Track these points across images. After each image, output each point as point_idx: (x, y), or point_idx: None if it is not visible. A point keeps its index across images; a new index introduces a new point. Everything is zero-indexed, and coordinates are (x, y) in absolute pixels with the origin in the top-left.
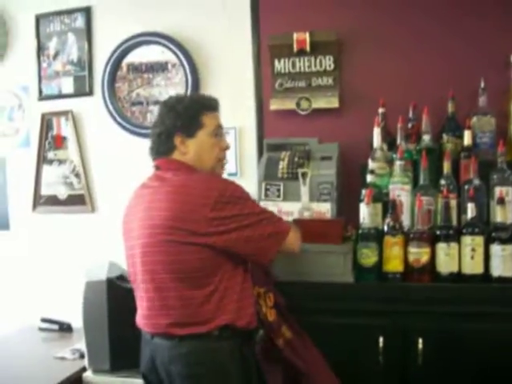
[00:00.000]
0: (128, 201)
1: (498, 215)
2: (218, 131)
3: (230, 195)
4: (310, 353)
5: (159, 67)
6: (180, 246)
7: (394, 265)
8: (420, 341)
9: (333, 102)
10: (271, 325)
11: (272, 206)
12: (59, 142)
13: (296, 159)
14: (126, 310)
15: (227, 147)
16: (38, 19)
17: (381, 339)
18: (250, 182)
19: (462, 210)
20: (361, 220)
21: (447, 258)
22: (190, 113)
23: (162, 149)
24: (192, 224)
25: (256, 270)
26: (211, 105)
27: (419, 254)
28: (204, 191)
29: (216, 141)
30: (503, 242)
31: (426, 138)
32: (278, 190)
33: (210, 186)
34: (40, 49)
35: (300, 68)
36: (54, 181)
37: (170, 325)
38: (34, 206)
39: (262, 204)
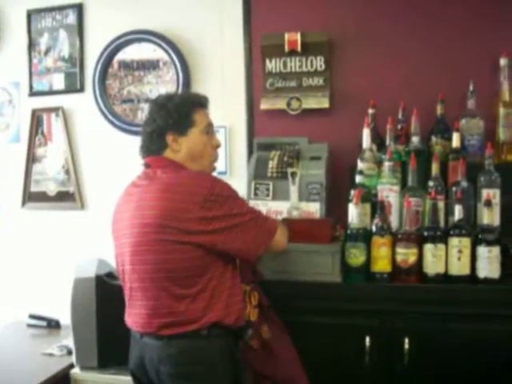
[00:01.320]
0: (118, 199)
1: (485, 217)
2: (210, 129)
3: (218, 193)
4: (287, 354)
5: (150, 65)
6: (170, 245)
7: (382, 265)
8: (406, 341)
9: (323, 103)
10: (252, 325)
11: (261, 205)
12: (49, 138)
13: (286, 159)
14: (114, 307)
15: (218, 145)
16: (30, 15)
17: (367, 339)
18: (239, 180)
19: (449, 211)
20: (349, 220)
21: (434, 259)
22: (182, 110)
23: (153, 147)
24: (181, 222)
25: (243, 267)
26: (201, 102)
27: (407, 254)
28: (193, 189)
29: (207, 138)
30: (490, 243)
31: (415, 139)
32: (268, 190)
33: (199, 184)
34: (31, 45)
35: (291, 68)
36: (44, 177)
37: (158, 324)
38: (23, 202)
39: (252, 203)
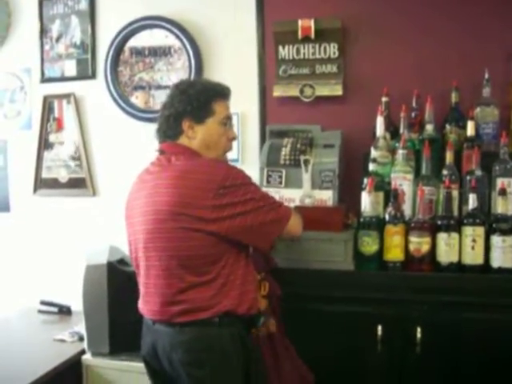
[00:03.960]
0: (131, 186)
1: (499, 206)
2: (228, 121)
3: (232, 181)
4: (288, 354)
5: (162, 52)
6: (183, 233)
7: (395, 254)
8: (418, 330)
9: (336, 90)
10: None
11: (274, 193)
12: (61, 124)
13: (298, 146)
14: (126, 293)
15: (234, 138)
16: (42, 1)
17: (379, 328)
18: (251, 168)
19: (463, 200)
20: (362, 208)
21: (447, 248)
22: (202, 98)
23: (169, 132)
24: (195, 210)
25: (256, 255)
26: (223, 93)
27: (420, 243)
28: (207, 176)
29: (224, 130)
30: (504, 233)
31: (429, 127)
32: (280, 177)
33: (213, 172)
34: (43, 31)
35: (304, 55)
36: (55, 164)
37: (171, 312)
38: (35, 188)
39: (264, 190)
